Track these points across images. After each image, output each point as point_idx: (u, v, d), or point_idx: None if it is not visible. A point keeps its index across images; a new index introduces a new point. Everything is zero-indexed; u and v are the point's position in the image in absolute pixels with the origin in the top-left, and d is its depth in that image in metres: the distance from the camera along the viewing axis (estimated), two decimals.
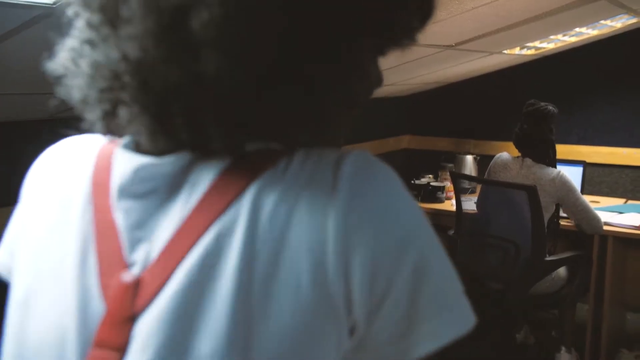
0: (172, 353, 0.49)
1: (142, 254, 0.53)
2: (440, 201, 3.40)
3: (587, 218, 2.83)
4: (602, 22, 3.08)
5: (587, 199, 3.29)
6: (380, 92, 3.83)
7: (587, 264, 2.92)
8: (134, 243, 0.54)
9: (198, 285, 0.50)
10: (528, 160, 2.86)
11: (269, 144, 0.55)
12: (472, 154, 3.82)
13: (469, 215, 3.06)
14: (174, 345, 0.49)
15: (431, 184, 3.42)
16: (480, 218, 2.98)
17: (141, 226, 0.54)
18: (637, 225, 2.88)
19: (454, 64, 3.25)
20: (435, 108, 4.36)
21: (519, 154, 2.94)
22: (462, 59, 3.14)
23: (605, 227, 2.92)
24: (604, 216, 3.01)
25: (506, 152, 3.04)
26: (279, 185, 0.52)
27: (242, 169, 0.53)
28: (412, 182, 3.51)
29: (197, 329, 0.49)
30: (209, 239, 0.51)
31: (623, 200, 3.57)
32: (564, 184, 2.77)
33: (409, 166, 4.26)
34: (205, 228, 0.51)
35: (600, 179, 3.78)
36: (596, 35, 3.48)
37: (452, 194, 3.25)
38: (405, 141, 4.46)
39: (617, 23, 3.25)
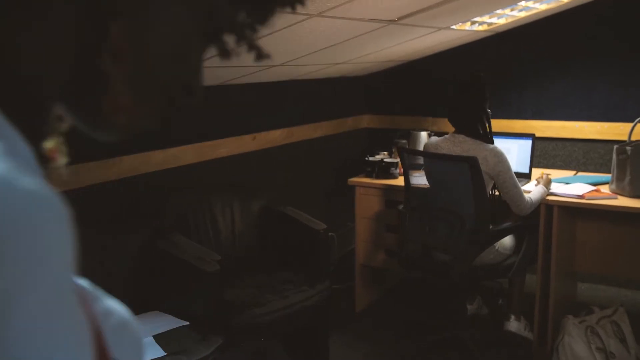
0: None
1: None
2: (394, 177, 3.45)
3: (513, 196, 2.80)
4: None
5: (539, 171, 3.36)
6: (335, 71, 3.84)
7: (532, 234, 2.98)
8: None
9: None
10: (461, 137, 2.87)
11: None
12: (427, 130, 3.87)
13: (418, 189, 3.11)
14: None
15: (384, 160, 3.46)
16: (427, 192, 3.03)
17: None
18: (580, 194, 2.94)
19: (404, 40, 3.28)
20: (394, 87, 4.40)
21: (448, 132, 2.96)
22: (410, 34, 3.17)
23: (551, 198, 2.98)
24: (551, 187, 3.07)
25: (434, 137, 3.08)
26: None
27: None
28: (366, 159, 3.55)
29: None
30: None
31: (574, 172, 3.64)
32: (497, 163, 2.76)
33: (368, 145, 4.31)
34: None
35: (554, 152, 3.85)
36: (545, 10, 3.53)
37: None
38: (365, 120, 4.49)
39: None
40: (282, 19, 2.24)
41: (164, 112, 0.46)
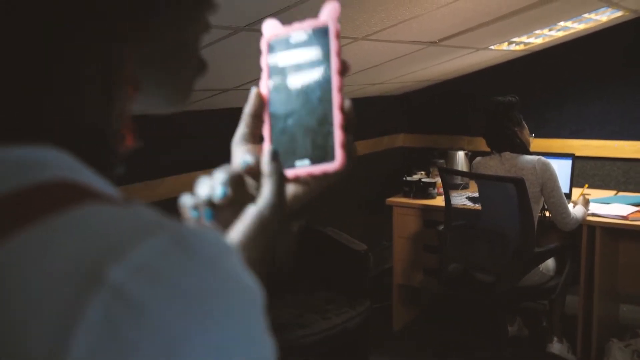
0: None
1: None
2: (432, 197, 3.44)
3: (559, 207, 2.82)
4: (586, 15, 3.12)
5: (578, 191, 3.34)
6: (371, 90, 3.83)
7: (575, 255, 2.95)
8: None
9: None
10: (507, 154, 2.90)
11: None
12: (464, 150, 3.86)
13: (458, 209, 3.11)
14: None
15: (422, 180, 3.47)
16: (469, 211, 3.03)
17: None
18: (624, 215, 2.91)
19: (442, 60, 3.30)
20: (429, 106, 4.40)
21: (484, 151, 3.01)
22: (449, 55, 3.19)
23: (593, 218, 2.95)
24: (592, 207, 3.05)
25: (480, 156, 3.09)
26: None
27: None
28: (404, 178, 3.55)
29: None
30: None
31: (614, 192, 3.60)
32: (545, 171, 2.81)
33: (404, 164, 4.31)
34: None
35: (593, 172, 3.81)
36: (583, 30, 3.52)
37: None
38: (400, 139, 4.50)
39: (602, 17, 3.28)
40: None
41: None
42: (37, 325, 0.30)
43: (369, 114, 4.15)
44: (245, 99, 0.57)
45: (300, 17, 0.56)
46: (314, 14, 0.54)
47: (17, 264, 0.32)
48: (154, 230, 0.33)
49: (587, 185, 3.49)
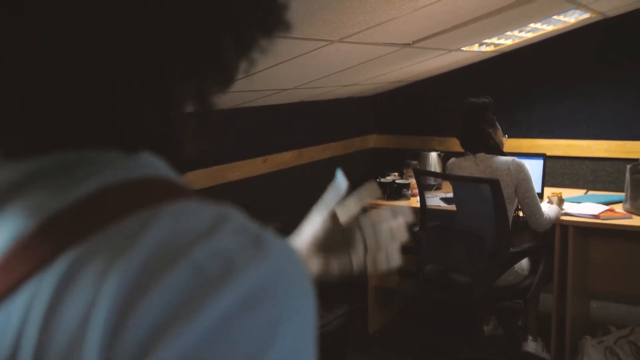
0: None
1: None
2: (406, 198, 3.44)
3: (532, 207, 2.84)
4: (555, 17, 3.16)
5: (549, 191, 3.38)
6: (343, 92, 3.81)
7: (548, 254, 2.98)
8: None
9: None
10: (481, 155, 2.91)
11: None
12: (436, 150, 3.88)
13: (433, 210, 3.11)
14: None
15: (396, 181, 3.46)
16: (445, 213, 3.03)
17: None
18: (596, 214, 2.95)
19: (414, 62, 3.30)
20: (401, 107, 4.41)
21: (456, 152, 3.02)
22: (421, 56, 3.19)
23: (565, 217, 2.99)
24: (564, 206, 3.09)
25: (454, 157, 3.10)
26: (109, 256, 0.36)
27: (66, 219, 0.38)
28: (378, 180, 3.54)
29: None
30: None
31: (584, 191, 3.66)
32: (519, 171, 2.83)
33: (376, 165, 4.30)
34: None
35: (562, 170, 3.86)
36: (552, 31, 3.57)
37: (417, 190, 3.30)
38: (372, 140, 4.50)
39: (571, 19, 3.33)
40: (304, 46, 2.24)
41: None
42: (115, 281, 0.35)
43: (340, 115, 4.14)
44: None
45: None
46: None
47: (115, 243, 0.36)
48: (237, 228, 0.38)
49: (560, 193, 3.49)
